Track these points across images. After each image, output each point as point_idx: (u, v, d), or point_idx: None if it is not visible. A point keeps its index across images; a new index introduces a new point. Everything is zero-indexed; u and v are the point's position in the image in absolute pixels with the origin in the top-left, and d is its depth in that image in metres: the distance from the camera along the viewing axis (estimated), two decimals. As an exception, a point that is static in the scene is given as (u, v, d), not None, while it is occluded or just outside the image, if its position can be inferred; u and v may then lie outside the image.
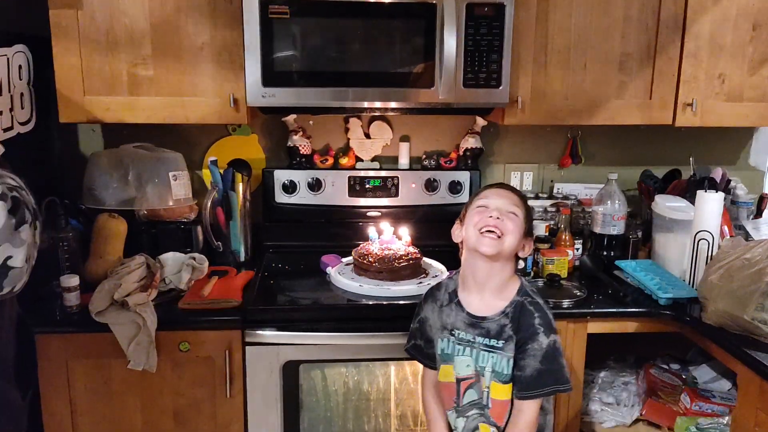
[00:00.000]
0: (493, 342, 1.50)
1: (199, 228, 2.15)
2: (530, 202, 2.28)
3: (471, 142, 2.36)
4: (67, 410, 1.79)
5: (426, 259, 2.10)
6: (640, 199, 2.39)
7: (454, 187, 2.35)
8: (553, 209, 2.29)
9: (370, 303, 1.87)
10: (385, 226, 2.12)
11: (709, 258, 1.89)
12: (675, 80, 2.07)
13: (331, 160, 2.36)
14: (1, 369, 1.44)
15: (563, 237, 2.15)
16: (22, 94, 1.86)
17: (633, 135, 2.43)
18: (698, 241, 1.91)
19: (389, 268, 1.95)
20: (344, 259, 2.11)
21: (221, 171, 2.19)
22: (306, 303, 1.91)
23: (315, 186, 2.30)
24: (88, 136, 2.32)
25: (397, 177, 2.34)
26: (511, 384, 1.50)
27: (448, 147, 2.44)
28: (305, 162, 2.34)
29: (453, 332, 1.56)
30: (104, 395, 1.79)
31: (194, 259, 1.99)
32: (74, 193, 2.06)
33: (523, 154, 2.47)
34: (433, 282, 1.92)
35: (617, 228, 2.20)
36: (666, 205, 2.10)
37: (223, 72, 1.94)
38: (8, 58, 1.78)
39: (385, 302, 1.86)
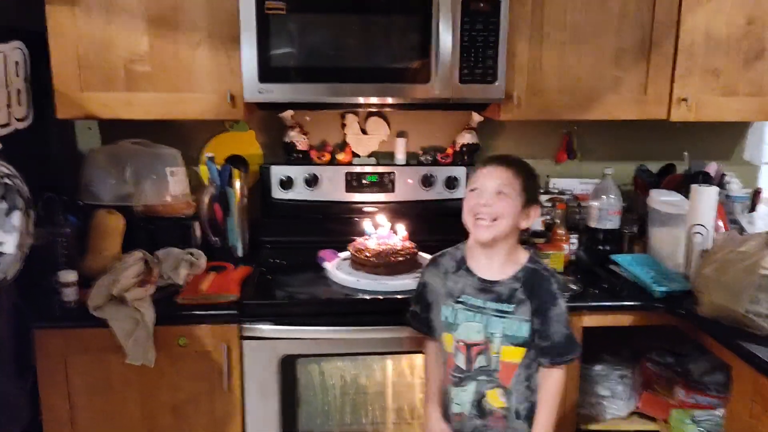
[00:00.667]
0: (504, 306, 1.51)
1: (196, 224, 2.16)
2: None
3: (467, 138, 2.37)
4: (66, 405, 1.79)
5: (422, 254, 2.10)
6: (636, 193, 2.40)
7: (451, 183, 2.36)
8: (549, 204, 2.30)
9: (367, 297, 1.87)
10: (382, 221, 2.13)
11: (703, 251, 1.90)
12: (670, 75, 2.08)
13: (327, 156, 2.37)
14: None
15: (559, 232, 2.16)
16: (19, 91, 1.85)
17: (628, 130, 2.44)
18: (693, 235, 1.93)
19: (386, 263, 1.96)
20: (341, 254, 2.12)
21: (218, 167, 2.20)
22: (303, 297, 1.92)
23: (312, 182, 2.31)
24: (85, 132, 2.32)
25: (394, 173, 2.35)
26: (524, 347, 1.51)
27: (445, 143, 2.45)
28: (302, 158, 2.34)
29: (461, 299, 1.55)
30: (103, 390, 1.80)
31: (192, 254, 2.00)
32: (72, 190, 2.06)
33: (519, 150, 2.46)
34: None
35: (613, 222, 2.21)
36: (661, 199, 2.12)
37: (220, 68, 1.95)
38: (5, 55, 1.78)
39: (381, 297, 1.87)
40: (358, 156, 2.41)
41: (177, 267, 1.95)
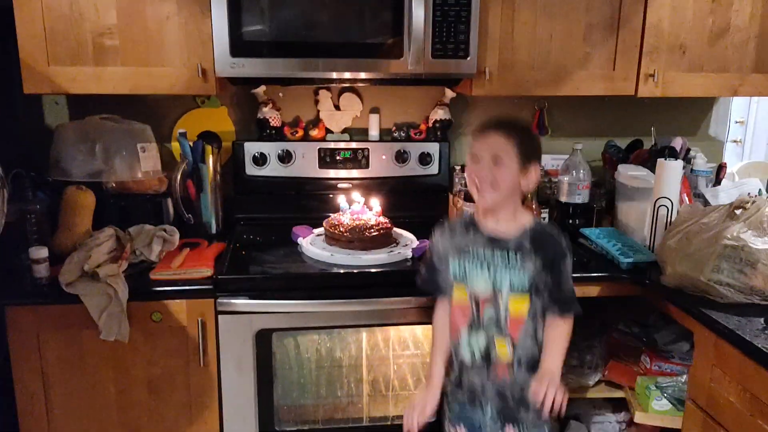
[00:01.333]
0: (512, 258, 1.55)
1: (169, 200, 2.15)
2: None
3: (440, 114, 2.39)
4: (39, 382, 1.79)
5: (396, 229, 2.13)
6: (604, 169, 2.45)
7: (424, 159, 2.38)
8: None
9: (341, 272, 1.89)
10: (356, 196, 2.15)
11: (668, 224, 1.96)
12: (638, 51, 2.11)
13: (301, 132, 2.36)
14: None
15: (530, 206, 2.20)
16: (-16, 65, 1.82)
17: (597, 106, 2.49)
18: (658, 208, 1.98)
19: (360, 238, 1.98)
20: (315, 230, 2.13)
21: (191, 143, 2.18)
22: (278, 272, 1.92)
23: (285, 158, 2.31)
24: (52, 107, 2.28)
25: (368, 149, 2.36)
26: (528, 297, 1.56)
27: (418, 119, 2.46)
28: (275, 134, 2.34)
29: (469, 251, 1.59)
30: (77, 366, 1.80)
31: (165, 230, 1.99)
32: (41, 166, 2.03)
33: (491, 126, 2.49)
34: (404, 251, 1.96)
35: (582, 197, 2.26)
36: (628, 174, 2.17)
37: (191, 42, 1.93)
38: (-32, 27, 1.74)
39: (356, 270, 1.89)
40: (332, 132, 2.41)
41: (150, 243, 1.94)
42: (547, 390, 1.51)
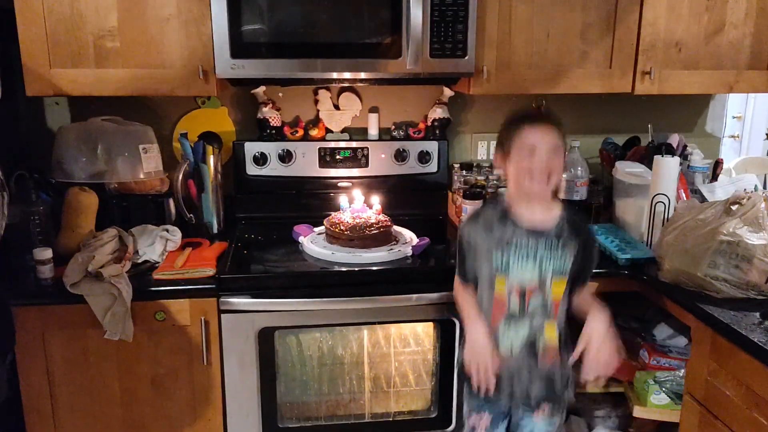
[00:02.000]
0: (554, 245, 1.59)
1: (170, 201, 2.16)
2: (496, 171, 2.35)
3: (439, 113, 2.41)
4: (45, 381, 1.81)
5: (396, 227, 2.15)
6: (602, 166, 2.47)
7: (423, 157, 2.39)
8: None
9: (343, 270, 1.91)
10: (356, 195, 2.17)
11: (665, 220, 1.98)
12: (634, 49, 2.13)
13: (301, 132, 2.38)
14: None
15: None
16: (-13, 68, 1.83)
17: (595, 104, 2.51)
18: (655, 204, 2.00)
19: (360, 236, 2.00)
20: (316, 229, 2.15)
21: (191, 144, 2.20)
22: (280, 270, 1.95)
23: (286, 157, 2.32)
24: (53, 109, 2.30)
25: (367, 148, 2.37)
26: (566, 280, 1.62)
27: (417, 118, 2.48)
28: (275, 134, 2.35)
29: (512, 243, 1.61)
30: (82, 365, 1.82)
31: (167, 231, 2.01)
32: (43, 167, 2.05)
33: (490, 124, 2.51)
34: (404, 248, 1.98)
35: (580, 194, 2.28)
36: (625, 170, 2.19)
37: (191, 43, 1.94)
38: (-29, 31, 1.75)
39: (357, 269, 1.91)
40: (331, 131, 2.43)
41: (152, 243, 1.96)
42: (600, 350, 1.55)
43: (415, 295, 1.86)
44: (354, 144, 2.38)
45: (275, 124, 2.34)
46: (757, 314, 1.59)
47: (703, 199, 2.24)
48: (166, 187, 2.20)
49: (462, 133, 2.53)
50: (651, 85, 2.15)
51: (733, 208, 1.76)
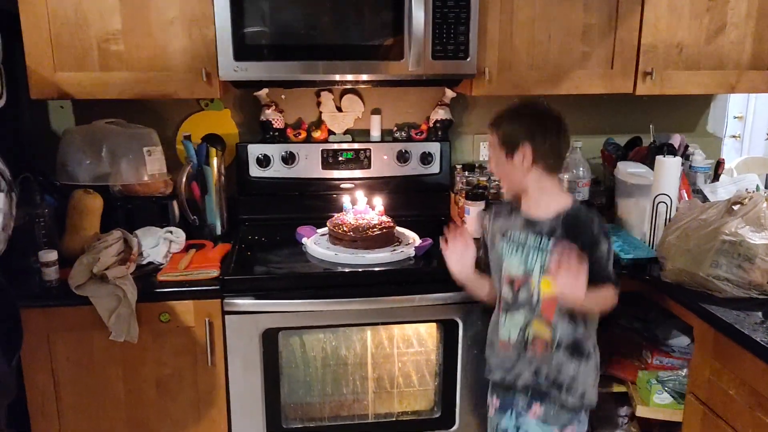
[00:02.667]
0: (543, 241, 1.59)
1: (174, 203, 2.17)
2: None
3: (441, 114, 2.41)
4: (50, 382, 1.82)
5: (399, 228, 2.15)
6: (604, 166, 2.47)
7: (425, 158, 2.40)
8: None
9: (346, 271, 1.92)
10: (359, 196, 2.17)
11: (667, 220, 1.98)
12: (635, 50, 2.14)
13: (303, 134, 2.39)
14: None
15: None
16: (-8, 72, 1.84)
17: (596, 105, 2.51)
18: (657, 205, 2.00)
19: (363, 237, 2.00)
20: (319, 230, 2.16)
21: (195, 146, 2.21)
22: (283, 272, 1.95)
23: (288, 159, 2.33)
24: (57, 111, 2.31)
25: (370, 149, 2.38)
26: None
27: (419, 119, 2.49)
28: (278, 136, 2.36)
29: (507, 235, 1.65)
30: (86, 366, 1.83)
31: (171, 232, 2.02)
32: (48, 170, 2.06)
33: (492, 125, 2.51)
34: (407, 249, 1.99)
35: (582, 194, 2.28)
36: (627, 171, 2.19)
37: (194, 46, 1.95)
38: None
39: (360, 269, 1.92)
40: (334, 133, 2.44)
41: (156, 245, 1.97)
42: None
43: (418, 296, 1.87)
44: (356, 145, 2.39)
45: (278, 126, 2.35)
46: (760, 314, 1.59)
47: (704, 199, 2.24)
48: (169, 189, 2.21)
49: (464, 135, 2.54)
50: (652, 86, 2.16)
51: (735, 207, 1.76)
